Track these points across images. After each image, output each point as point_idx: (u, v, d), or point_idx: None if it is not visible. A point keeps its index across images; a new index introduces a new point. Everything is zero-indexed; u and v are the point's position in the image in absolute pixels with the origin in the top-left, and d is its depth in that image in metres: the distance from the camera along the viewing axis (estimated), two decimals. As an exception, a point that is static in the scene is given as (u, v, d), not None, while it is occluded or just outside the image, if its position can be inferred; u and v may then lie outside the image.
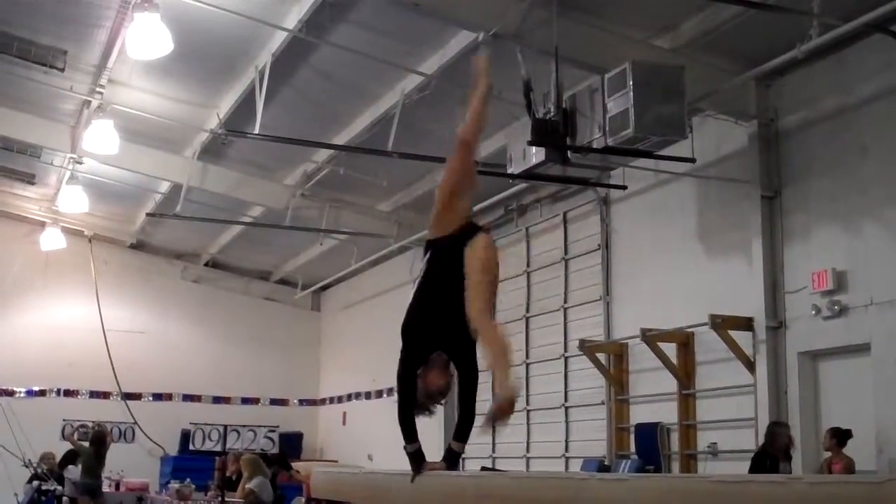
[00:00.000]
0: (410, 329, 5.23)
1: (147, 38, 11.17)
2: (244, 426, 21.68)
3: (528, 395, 15.08)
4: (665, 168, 12.07)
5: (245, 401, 22.94)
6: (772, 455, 10.23)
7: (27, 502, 17.34)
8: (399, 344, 5.22)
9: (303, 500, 13.96)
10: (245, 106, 13.26)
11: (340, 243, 18.88)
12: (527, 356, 15.28)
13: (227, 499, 14.45)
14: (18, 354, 20.76)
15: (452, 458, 5.21)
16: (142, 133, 15.43)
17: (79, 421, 18.67)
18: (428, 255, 5.43)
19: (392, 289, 19.60)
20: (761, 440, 10.62)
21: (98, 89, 14.18)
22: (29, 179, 19.07)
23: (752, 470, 10.18)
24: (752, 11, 9.86)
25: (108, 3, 12.09)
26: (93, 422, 18.12)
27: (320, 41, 11.87)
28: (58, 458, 17.83)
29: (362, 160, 14.66)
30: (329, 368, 23.42)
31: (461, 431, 5.18)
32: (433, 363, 5.12)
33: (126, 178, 17.52)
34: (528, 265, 15.56)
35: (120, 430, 21.15)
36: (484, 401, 4.97)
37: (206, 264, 22.97)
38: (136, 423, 21.53)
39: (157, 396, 22.30)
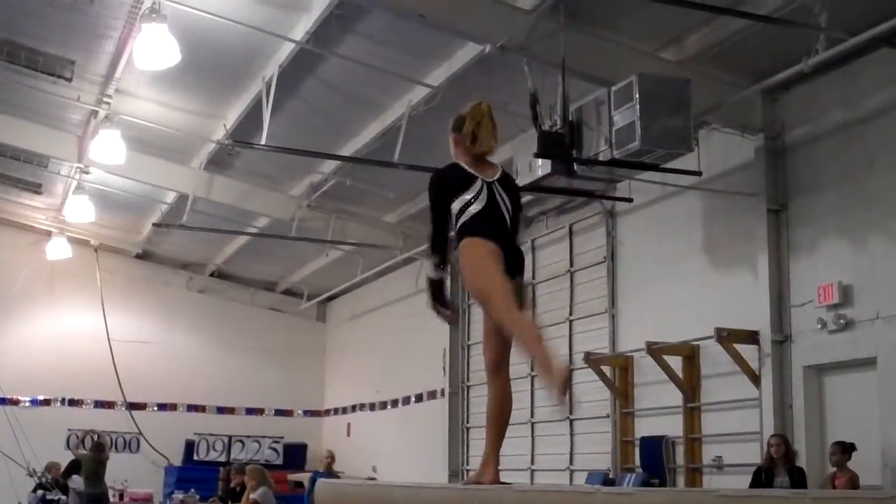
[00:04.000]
0: None
1: (154, 49, 11.22)
2: (248, 437, 21.88)
3: (532, 408, 15.06)
4: (671, 181, 12.05)
5: (249, 411, 22.93)
6: (766, 468, 10.22)
7: (31, 512, 17.35)
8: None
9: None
10: (252, 117, 13.26)
11: (346, 254, 18.88)
12: (531, 368, 15.24)
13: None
14: (24, 364, 20.77)
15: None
16: (148, 143, 15.46)
17: (83, 430, 18.67)
18: None
19: (397, 300, 19.61)
20: (766, 454, 10.60)
21: (105, 99, 14.21)
22: (35, 189, 19.10)
23: (752, 484, 10.18)
24: (758, 25, 9.87)
25: (116, 13, 12.12)
26: (91, 430, 18.08)
27: (328, 52, 11.90)
28: (62, 468, 17.83)
29: (369, 171, 14.66)
30: (334, 379, 23.40)
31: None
32: None
33: (132, 188, 17.55)
34: (533, 277, 15.52)
35: (124, 439, 21.28)
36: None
37: (212, 275, 22.96)
38: (140, 433, 21.60)
39: (162, 406, 22.29)
